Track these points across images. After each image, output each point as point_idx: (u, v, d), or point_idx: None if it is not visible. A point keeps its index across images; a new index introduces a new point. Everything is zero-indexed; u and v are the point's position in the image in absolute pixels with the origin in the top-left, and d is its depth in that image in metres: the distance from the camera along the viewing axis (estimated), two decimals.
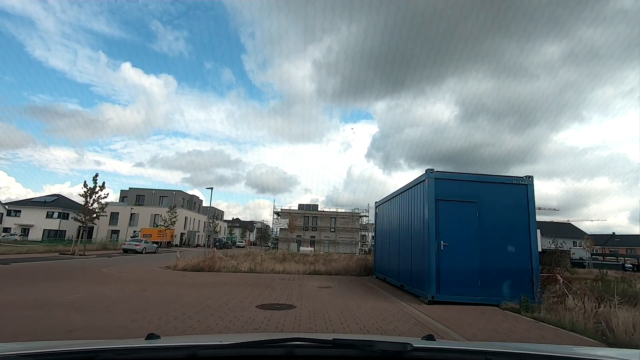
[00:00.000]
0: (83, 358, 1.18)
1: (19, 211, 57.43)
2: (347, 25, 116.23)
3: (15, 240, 46.16)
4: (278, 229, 60.59)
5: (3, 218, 58.38)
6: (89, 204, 24.75)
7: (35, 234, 54.27)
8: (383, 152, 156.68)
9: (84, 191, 24.51)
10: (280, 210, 59.66)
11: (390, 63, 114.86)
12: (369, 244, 63.41)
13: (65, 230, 55.02)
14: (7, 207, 58.83)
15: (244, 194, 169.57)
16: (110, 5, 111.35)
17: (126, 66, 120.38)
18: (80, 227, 24.50)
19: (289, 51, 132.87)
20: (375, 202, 14.48)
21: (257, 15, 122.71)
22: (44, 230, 55.21)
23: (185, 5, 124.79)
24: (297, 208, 61.47)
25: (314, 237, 58.73)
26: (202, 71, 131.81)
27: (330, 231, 59.41)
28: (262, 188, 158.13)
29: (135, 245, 30.87)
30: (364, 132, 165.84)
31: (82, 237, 24.12)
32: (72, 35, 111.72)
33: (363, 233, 63.01)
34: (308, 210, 60.59)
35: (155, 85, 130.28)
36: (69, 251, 23.71)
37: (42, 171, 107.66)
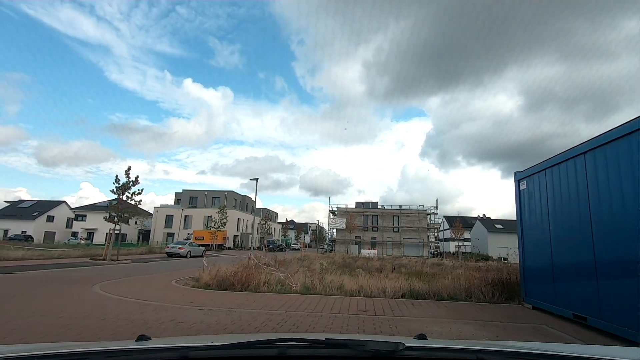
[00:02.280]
0: None
1: (85, 215, 59.28)
2: (396, 23, 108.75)
3: (79, 243, 46.66)
4: (334, 230, 55.43)
5: (72, 222, 61.01)
6: (122, 201, 21.63)
7: (99, 238, 55.29)
8: (439, 149, 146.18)
9: (116, 187, 21.40)
10: (336, 209, 54.41)
11: (443, 56, 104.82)
12: (432, 246, 55.57)
13: (126, 234, 55.49)
14: (74, 212, 61.34)
15: (299, 197, 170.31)
16: (171, 27, 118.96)
17: (188, 82, 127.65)
18: (111, 229, 21.38)
19: (337, 54, 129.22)
20: (517, 173, 8.39)
21: (305, 22, 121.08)
22: (106, 233, 56.32)
23: (237, 19, 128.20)
24: (354, 206, 55.80)
25: (375, 238, 52.53)
26: (256, 81, 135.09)
27: (394, 231, 52.75)
28: (316, 191, 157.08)
29: (179, 248, 27.63)
30: (417, 130, 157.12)
31: (111, 240, 20.98)
32: (141, 57, 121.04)
33: (432, 234, 55.26)
34: (367, 209, 54.57)
35: (214, 97, 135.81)
36: (101, 256, 20.66)
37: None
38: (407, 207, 53.91)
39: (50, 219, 60.57)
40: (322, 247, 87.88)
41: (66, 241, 49.82)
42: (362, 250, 42.14)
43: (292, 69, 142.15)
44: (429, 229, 53.23)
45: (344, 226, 50.48)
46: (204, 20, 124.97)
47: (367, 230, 53.11)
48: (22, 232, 54.33)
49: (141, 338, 1.43)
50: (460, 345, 1.44)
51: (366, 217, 53.66)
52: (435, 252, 55.49)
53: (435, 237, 57.94)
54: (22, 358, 1.13)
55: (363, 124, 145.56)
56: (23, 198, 67.24)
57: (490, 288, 8.46)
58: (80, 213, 59.58)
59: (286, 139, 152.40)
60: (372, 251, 40.49)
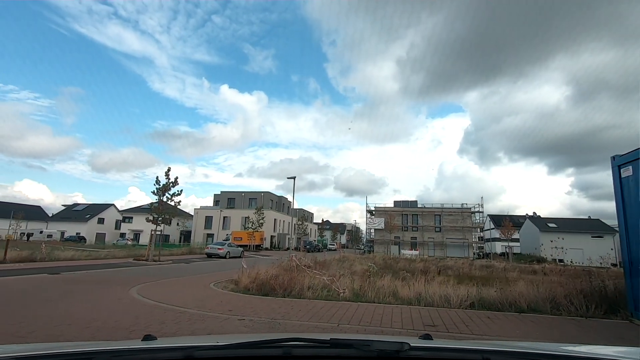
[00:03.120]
0: None
1: (131, 217, 62.15)
2: (430, 17, 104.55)
3: (126, 244, 48.79)
4: (372, 230, 53.83)
5: (120, 224, 64.32)
6: (163, 202, 21.79)
7: (144, 239, 57.70)
8: (478, 146, 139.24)
9: (156, 188, 21.60)
10: (374, 209, 52.78)
11: (481, 48, 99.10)
12: (475, 246, 52.22)
13: (168, 235, 57.46)
14: (122, 214, 64.61)
15: (333, 197, 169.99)
16: (207, 36, 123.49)
17: (224, 88, 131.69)
18: (153, 230, 21.59)
19: (370, 53, 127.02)
20: (616, 158, 6.79)
21: (337, 23, 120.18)
22: (151, 234, 58.67)
23: (270, 24, 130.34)
24: (392, 206, 53.85)
25: (415, 238, 50.30)
26: (289, 84, 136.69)
27: (435, 231, 50.22)
28: (351, 191, 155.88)
29: (218, 249, 27.64)
30: (454, 127, 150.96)
31: (153, 241, 21.17)
32: (180, 67, 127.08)
33: (476, 234, 52.00)
34: (406, 208, 52.42)
35: (249, 102, 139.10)
36: (143, 256, 20.90)
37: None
38: (450, 206, 51.10)
39: (101, 221, 64.24)
40: (358, 247, 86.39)
41: (115, 242, 52.34)
42: (402, 251, 40.31)
43: (324, 71, 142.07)
44: (473, 228, 50.08)
45: (382, 226, 48.81)
46: (237, 28, 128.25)
47: (407, 230, 50.99)
48: (77, 233, 57.99)
49: (147, 338, 1.42)
50: (465, 345, 1.44)
51: (405, 216, 51.55)
52: (481, 253, 52.15)
53: (479, 237, 54.53)
54: (29, 357, 1.14)
55: (397, 123, 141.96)
56: (78, 202, 71.93)
57: (581, 298, 6.92)
58: (127, 215, 62.57)
59: (319, 140, 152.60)
60: (414, 252, 38.56)
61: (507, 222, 40.47)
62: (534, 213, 63.77)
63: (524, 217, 59.70)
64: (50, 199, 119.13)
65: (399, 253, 38.92)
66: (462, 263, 28.81)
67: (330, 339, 1.22)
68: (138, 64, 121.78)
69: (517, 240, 55.18)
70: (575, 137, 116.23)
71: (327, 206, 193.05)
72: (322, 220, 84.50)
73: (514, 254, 43.45)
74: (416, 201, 54.53)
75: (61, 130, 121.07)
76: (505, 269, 25.92)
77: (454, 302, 7.29)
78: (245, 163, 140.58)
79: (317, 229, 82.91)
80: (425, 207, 52.32)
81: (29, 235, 50.10)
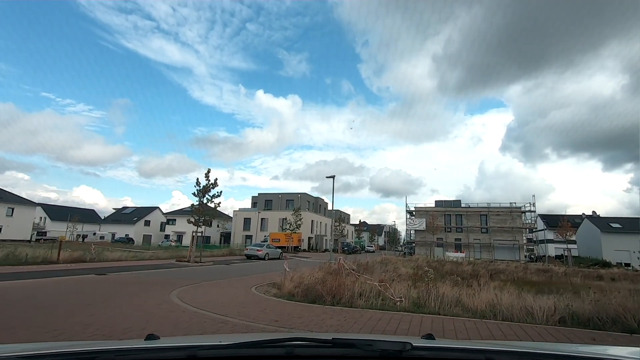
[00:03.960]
0: (83, 359, 1.16)
1: (175, 220, 64.51)
2: (467, 10, 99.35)
3: (170, 245, 50.57)
4: (412, 231, 51.75)
5: (164, 226, 67.06)
6: (203, 204, 21.87)
7: (186, 240, 59.64)
8: (522, 142, 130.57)
9: (197, 190, 21.71)
10: (414, 209, 50.71)
11: (524, 39, 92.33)
12: (525, 248, 48.31)
13: (209, 236, 58.99)
14: (166, 216, 67.31)
15: (369, 199, 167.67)
16: (243, 43, 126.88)
17: (260, 93, 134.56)
18: (194, 231, 21.71)
19: (404, 51, 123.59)
20: None
21: (370, 22, 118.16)
22: (192, 236, 60.55)
23: (303, 28, 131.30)
24: (434, 205, 51.45)
25: (460, 239, 47.60)
26: (323, 86, 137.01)
27: (481, 232, 47.24)
28: (387, 192, 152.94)
29: (257, 250, 27.46)
30: (495, 123, 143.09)
31: (194, 242, 21.26)
32: (217, 74, 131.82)
33: (528, 236, 48.29)
34: (449, 207, 49.82)
35: (284, 106, 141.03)
36: (185, 257, 21.06)
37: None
38: (497, 205, 47.84)
39: (147, 223, 67.36)
40: (396, 249, 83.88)
41: (160, 243, 54.48)
42: (447, 253, 38.10)
43: (357, 71, 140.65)
44: (524, 229, 46.50)
45: (423, 227, 46.71)
46: (271, 34, 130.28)
47: (450, 232, 48.42)
48: (126, 235, 61.16)
49: (150, 337, 1.42)
50: (468, 345, 1.42)
51: (448, 216, 48.98)
52: (533, 256, 48.29)
53: (529, 239, 50.58)
54: (33, 357, 1.13)
55: (434, 121, 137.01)
56: (127, 206, 76.09)
57: None
58: (171, 217, 65.03)
59: (354, 141, 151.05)
60: (460, 254, 36.32)
61: (564, 222, 36.94)
62: (593, 212, 58.23)
63: (580, 217, 54.60)
64: (104, 203, 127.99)
65: (444, 255, 36.81)
66: (514, 267, 26.49)
67: (333, 338, 1.21)
68: (179, 73, 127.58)
69: (573, 242, 50.53)
70: (633, 130, 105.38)
71: (362, 207, 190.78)
72: (360, 221, 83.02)
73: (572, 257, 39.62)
74: (459, 201, 51.77)
75: (112, 139, 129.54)
76: (566, 273, 23.47)
77: (539, 316, 6.06)
78: (280, 166, 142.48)
79: (354, 230, 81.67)
80: (469, 207, 49.43)
81: (84, 236, 53.44)
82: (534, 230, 49.68)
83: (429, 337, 1.54)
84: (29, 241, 45.96)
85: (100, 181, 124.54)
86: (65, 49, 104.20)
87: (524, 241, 46.81)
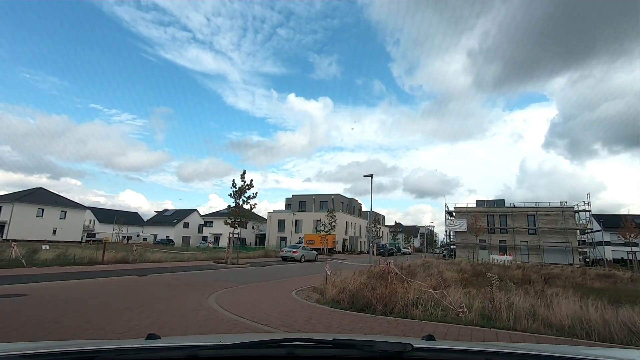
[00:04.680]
0: (83, 358, 1.15)
1: (212, 222, 66.13)
2: (504, 0, 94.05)
3: (207, 246, 51.78)
4: (452, 233, 49.34)
5: (202, 228, 68.98)
6: (239, 205, 21.76)
7: (223, 242, 60.89)
8: (568, 138, 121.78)
9: (233, 191, 21.64)
10: (453, 209, 48.32)
11: (568, 27, 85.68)
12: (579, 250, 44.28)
13: (245, 238, 59.92)
14: (204, 218, 69.22)
15: (403, 200, 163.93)
16: (274, 49, 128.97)
17: (291, 97, 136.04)
18: (231, 232, 21.64)
19: (437, 48, 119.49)
20: None
21: (400, 21, 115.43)
22: (229, 237, 61.76)
23: (332, 30, 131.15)
24: (475, 205, 48.74)
25: (504, 241, 44.65)
26: (354, 87, 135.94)
27: (529, 233, 44.03)
28: (421, 193, 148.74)
29: (293, 252, 27.08)
30: (537, 118, 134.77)
31: (231, 243, 21.16)
32: (250, 80, 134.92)
33: (580, 237, 44.38)
34: (492, 207, 46.96)
35: (315, 108, 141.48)
36: (222, 259, 21.02)
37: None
38: (546, 205, 44.41)
39: (186, 225, 69.64)
40: (433, 251, 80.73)
41: (198, 244, 55.93)
42: (492, 256, 35.71)
43: (389, 71, 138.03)
44: (579, 230, 42.75)
45: (465, 228, 44.33)
46: (301, 38, 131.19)
47: (494, 233, 45.57)
48: (166, 236, 63.51)
49: (151, 337, 1.41)
50: (469, 347, 1.45)
51: (492, 217, 46.14)
52: (588, 259, 44.24)
53: (582, 241, 46.43)
54: (34, 355, 1.12)
55: (470, 118, 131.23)
56: (167, 208, 79.18)
57: None
58: (208, 220, 66.75)
59: (386, 142, 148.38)
60: (507, 257, 33.87)
61: (628, 223, 33.39)
62: None
63: None
64: (147, 206, 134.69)
65: (489, 258, 34.51)
66: (570, 271, 24.14)
67: (333, 339, 1.21)
68: (214, 81, 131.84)
69: (634, 244, 45.71)
70: None
71: (396, 209, 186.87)
72: (395, 222, 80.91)
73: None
74: (503, 200, 48.66)
75: (154, 145, 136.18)
76: (633, 279, 20.96)
77: None
78: (312, 168, 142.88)
79: (388, 231, 79.66)
80: (515, 207, 46.29)
81: (128, 238, 56.06)
82: (588, 231, 45.56)
83: (430, 338, 1.53)
84: (80, 242, 48.82)
85: (143, 186, 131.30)
86: (110, 63, 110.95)
87: (578, 243, 43.03)
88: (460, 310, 6.25)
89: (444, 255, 48.79)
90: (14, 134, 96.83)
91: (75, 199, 69.46)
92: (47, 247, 17.53)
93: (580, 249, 44.24)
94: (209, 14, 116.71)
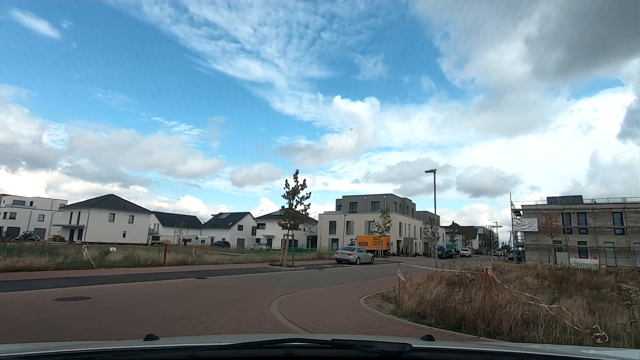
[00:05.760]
0: (82, 359, 1.16)
1: (264, 224, 67.34)
2: None
3: (261, 248, 52.60)
4: (520, 234, 44.93)
5: (255, 230, 70.56)
6: (293, 206, 21.21)
7: (276, 244, 61.61)
8: None
9: (286, 192, 21.14)
10: (521, 208, 43.95)
11: None
12: None
13: (297, 240, 60.10)
14: (257, 221, 70.77)
15: (456, 199, 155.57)
16: (318, 53, 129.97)
17: (337, 99, 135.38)
18: (285, 234, 21.14)
19: (490, 39, 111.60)
20: None
21: (448, 13, 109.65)
22: (281, 240, 62.36)
23: (376, 29, 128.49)
24: (546, 202, 43.92)
25: (585, 242, 39.53)
26: (401, 85, 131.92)
27: (615, 234, 38.54)
28: (476, 191, 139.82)
29: (348, 254, 25.97)
30: (609, 106, 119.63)
31: (285, 246, 20.64)
32: (296, 85, 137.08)
33: None
34: (567, 204, 41.92)
35: (362, 109, 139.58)
36: (278, 261, 20.57)
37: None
38: (637, 200, 38.57)
39: (240, 227, 71.72)
40: (494, 253, 74.60)
41: (252, 247, 57.13)
42: (573, 259, 31.52)
43: (437, 66, 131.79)
44: None
45: (535, 228, 40.04)
46: (345, 39, 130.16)
47: (571, 233, 40.59)
48: (222, 238, 65.80)
49: (149, 337, 1.39)
50: (467, 347, 1.43)
51: (567, 215, 41.17)
52: None
53: None
54: (32, 357, 1.12)
55: (530, 110, 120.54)
56: (223, 212, 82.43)
57: None
58: (261, 222, 68.05)
59: (436, 139, 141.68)
60: (592, 260, 29.69)
61: None
62: None
63: None
64: (204, 210, 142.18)
65: (568, 261, 30.52)
66: None
67: (332, 339, 1.21)
68: (261, 88, 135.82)
69: None
70: None
71: (449, 209, 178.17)
72: (453, 223, 76.39)
73: None
74: (580, 196, 43.29)
75: (209, 153, 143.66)
76: None
77: None
78: (360, 169, 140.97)
79: (444, 232, 75.31)
80: (596, 203, 40.86)
81: (188, 240, 58.94)
82: None
83: (429, 338, 1.51)
84: (146, 244, 52.18)
85: (200, 191, 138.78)
86: (169, 78, 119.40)
87: None
88: (598, 335, 4.70)
89: (511, 258, 44.54)
90: (92, 148, 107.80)
91: (142, 204, 74.96)
92: (115, 249, 18.28)
93: None
94: (255, 25, 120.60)
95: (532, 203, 44.42)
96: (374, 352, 1.13)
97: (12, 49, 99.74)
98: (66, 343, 1.48)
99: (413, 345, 1.16)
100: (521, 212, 44.01)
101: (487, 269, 5.97)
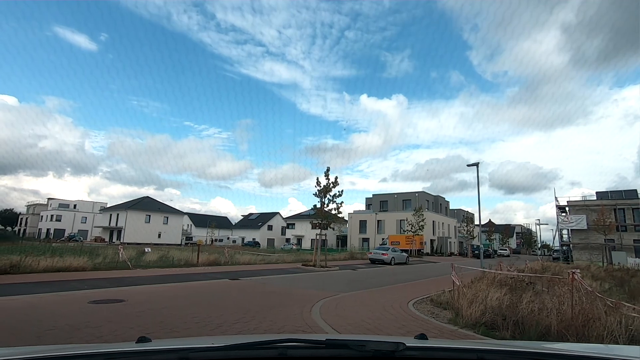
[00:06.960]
0: None
1: (294, 224, 67.39)
2: None
3: (291, 248, 52.46)
4: (565, 232, 41.91)
5: (285, 230, 70.76)
6: (325, 205, 20.56)
7: (305, 243, 61.41)
8: None
9: (318, 190, 20.52)
10: (567, 204, 40.94)
11: None
12: None
13: (326, 240, 59.59)
14: (286, 221, 70.95)
15: (489, 197, 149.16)
16: (342, 52, 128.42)
17: (363, 98, 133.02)
18: (317, 234, 20.53)
19: (523, 28, 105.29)
20: None
21: (479, 4, 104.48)
22: (311, 239, 62.02)
23: (401, 25, 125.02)
24: (595, 198, 40.63)
25: None
26: (429, 81, 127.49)
27: None
28: (510, 188, 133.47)
29: (382, 254, 24.99)
30: None
31: (318, 245, 20.01)
32: (321, 85, 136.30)
33: None
34: (620, 200, 38.55)
35: (388, 107, 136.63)
36: (310, 261, 19.99)
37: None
38: None
39: (270, 227, 72.16)
40: (533, 252, 70.17)
41: (282, 246, 57.12)
42: (631, 259, 28.69)
43: (467, 59, 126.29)
44: None
45: (584, 225, 37.11)
46: (369, 37, 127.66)
47: (625, 231, 37.25)
48: (253, 239, 66.44)
49: (141, 340, 1.37)
50: (460, 345, 1.40)
51: (620, 211, 37.84)
52: None
53: None
54: None
55: (569, 101, 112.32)
56: (252, 212, 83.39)
57: None
58: (290, 222, 68.18)
59: (466, 135, 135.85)
60: None
61: None
62: None
63: None
64: (234, 211, 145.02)
65: (626, 261, 27.81)
66: None
67: (326, 339, 1.20)
68: (287, 90, 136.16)
69: None
70: None
71: (482, 206, 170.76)
72: (489, 221, 72.94)
73: None
74: (635, 190, 39.71)
75: (238, 155, 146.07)
76: None
77: None
78: (387, 168, 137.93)
79: (480, 231, 72.07)
80: None
81: (219, 240, 59.88)
82: None
83: (422, 337, 1.50)
84: (179, 245, 53.47)
85: (230, 192, 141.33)
86: (198, 83, 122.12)
87: None
88: None
89: (556, 258, 41.59)
90: (129, 154, 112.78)
91: (176, 206, 77.17)
92: (149, 250, 18.41)
93: None
94: (279, 27, 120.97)
95: (579, 198, 41.29)
96: (368, 351, 1.12)
97: (55, 62, 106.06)
98: (56, 346, 1.36)
99: (407, 344, 1.15)
100: (567, 208, 41.00)
101: (574, 272, 4.98)
